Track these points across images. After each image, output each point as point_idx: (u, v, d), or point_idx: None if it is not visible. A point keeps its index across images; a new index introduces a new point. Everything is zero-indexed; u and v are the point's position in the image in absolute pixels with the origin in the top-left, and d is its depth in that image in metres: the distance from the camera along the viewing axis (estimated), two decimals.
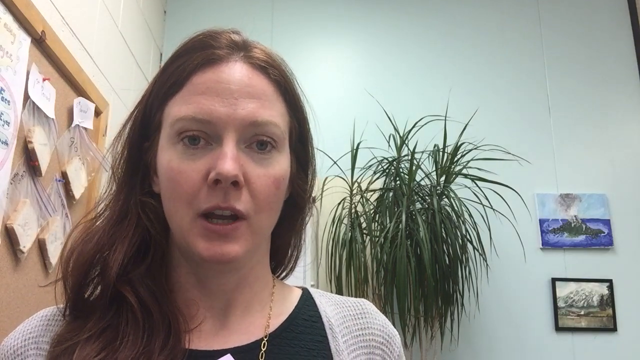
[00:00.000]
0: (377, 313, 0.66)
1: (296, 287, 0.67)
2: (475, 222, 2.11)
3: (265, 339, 0.57)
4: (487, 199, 2.12)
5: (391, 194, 2.16)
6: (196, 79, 0.55)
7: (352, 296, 2.04)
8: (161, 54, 2.64)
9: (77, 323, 0.56)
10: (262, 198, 0.54)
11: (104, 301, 0.56)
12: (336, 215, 2.14)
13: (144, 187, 0.60)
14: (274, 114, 0.56)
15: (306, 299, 0.65)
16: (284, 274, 0.69)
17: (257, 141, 0.54)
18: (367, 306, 0.66)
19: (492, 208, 2.14)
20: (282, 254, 0.67)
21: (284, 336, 0.59)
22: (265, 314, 0.60)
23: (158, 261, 0.59)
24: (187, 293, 0.59)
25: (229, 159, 0.51)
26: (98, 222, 0.59)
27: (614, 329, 2.33)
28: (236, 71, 0.55)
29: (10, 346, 0.57)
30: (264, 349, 0.57)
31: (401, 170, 2.22)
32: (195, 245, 0.53)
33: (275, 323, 0.60)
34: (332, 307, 0.64)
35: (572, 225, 2.45)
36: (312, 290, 0.66)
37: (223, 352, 0.55)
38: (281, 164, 0.56)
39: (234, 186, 0.52)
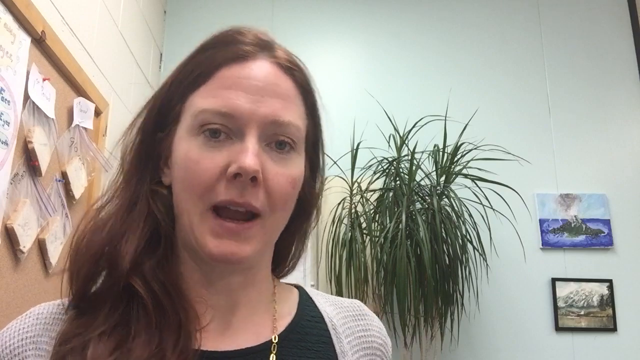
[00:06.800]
0: (373, 315, 0.66)
1: (291, 284, 0.67)
2: (475, 222, 2.11)
3: (274, 341, 0.57)
4: (487, 199, 2.12)
5: (391, 194, 2.16)
6: (223, 72, 0.55)
7: (352, 296, 2.06)
8: (161, 54, 2.64)
9: (85, 319, 0.53)
10: (277, 197, 0.54)
11: (115, 295, 0.53)
12: (336, 215, 2.14)
13: (153, 178, 0.59)
14: (296, 117, 0.56)
15: (305, 298, 0.64)
16: (282, 273, 0.68)
17: (277, 141, 0.54)
18: (363, 308, 0.66)
19: (492, 208, 2.13)
20: (283, 256, 0.66)
21: (292, 338, 0.58)
22: (270, 315, 0.60)
23: (169, 254, 0.57)
24: (192, 290, 0.57)
25: (251, 154, 0.51)
26: (105, 211, 0.58)
27: (614, 329, 2.33)
28: (263, 69, 0.55)
29: (7, 345, 0.54)
30: (274, 351, 0.56)
31: (401, 170, 2.21)
32: (204, 242, 0.52)
33: (281, 324, 0.59)
34: (332, 308, 0.64)
35: (572, 225, 2.45)
36: (308, 289, 0.66)
37: (234, 354, 0.55)
38: (298, 165, 0.57)
39: (252, 182, 0.51)
